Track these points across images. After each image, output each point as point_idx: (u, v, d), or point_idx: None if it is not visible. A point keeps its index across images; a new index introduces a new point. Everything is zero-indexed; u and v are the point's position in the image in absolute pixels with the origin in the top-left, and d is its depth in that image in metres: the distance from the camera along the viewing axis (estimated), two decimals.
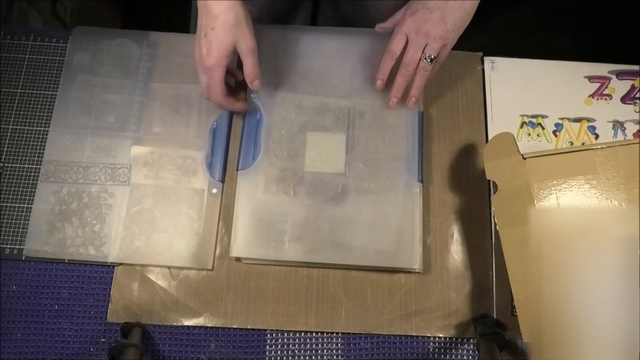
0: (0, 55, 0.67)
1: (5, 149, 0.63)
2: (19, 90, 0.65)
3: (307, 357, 0.58)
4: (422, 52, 0.56)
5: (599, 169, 0.50)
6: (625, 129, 0.65)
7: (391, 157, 0.61)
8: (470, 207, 0.62)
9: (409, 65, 0.58)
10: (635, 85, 0.66)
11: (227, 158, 0.63)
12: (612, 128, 0.65)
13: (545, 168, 0.51)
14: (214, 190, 0.61)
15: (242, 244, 0.58)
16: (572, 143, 0.64)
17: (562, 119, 0.65)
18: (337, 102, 0.64)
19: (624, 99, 0.66)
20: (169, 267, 0.59)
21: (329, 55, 0.66)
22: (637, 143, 0.50)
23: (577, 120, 0.65)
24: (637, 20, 0.65)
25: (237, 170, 0.61)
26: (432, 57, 0.56)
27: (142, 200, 0.61)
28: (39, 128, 0.64)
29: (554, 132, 0.64)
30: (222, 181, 0.62)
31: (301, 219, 0.59)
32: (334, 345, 0.58)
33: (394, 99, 0.62)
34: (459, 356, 0.58)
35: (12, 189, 0.62)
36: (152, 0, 1.39)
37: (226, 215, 0.61)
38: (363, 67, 0.65)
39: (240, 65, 0.58)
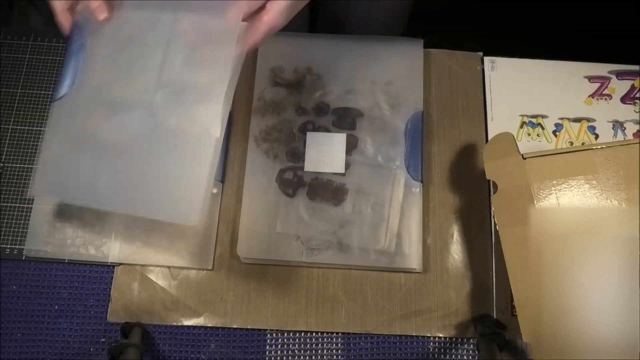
0: (0, 55, 0.67)
1: (5, 149, 0.63)
2: (19, 90, 0.65)
3: (307, 357, 0.58)
4: None
5: (599, 169, 0.50)
6: (625, 129, 0.65)
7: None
8: (470, 207, 0.62)
9: None
10: (635, 85, 0.66)
11: (226, 159, 0.63)
12: (612, 128, 0.65)
13: (545, 168, 0.51)
14: (214, 190, 0.61)
15: None
16: (572, 143, 0.64)
17: (562, 119, 0.65)
18: None
19: (624, 99, 0.66)
20: (169, 267, 0.59)
21: None
22: (637, 143, 0.50)
23: (577, 120, 0.65)
24: (637, 20, 0.65)
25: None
26: None
27: None
28: (39, 128, 0.64)
29: (554, 132, 0.64)
30: (222, 181, 0.62)
31: None
32: (334, 345, 0.58)
33: None
34: (459, 356, 0.58)
35: (12, 189, 0.62)
36: None
37: (226, 216, 0.61)
38: None
39: None
